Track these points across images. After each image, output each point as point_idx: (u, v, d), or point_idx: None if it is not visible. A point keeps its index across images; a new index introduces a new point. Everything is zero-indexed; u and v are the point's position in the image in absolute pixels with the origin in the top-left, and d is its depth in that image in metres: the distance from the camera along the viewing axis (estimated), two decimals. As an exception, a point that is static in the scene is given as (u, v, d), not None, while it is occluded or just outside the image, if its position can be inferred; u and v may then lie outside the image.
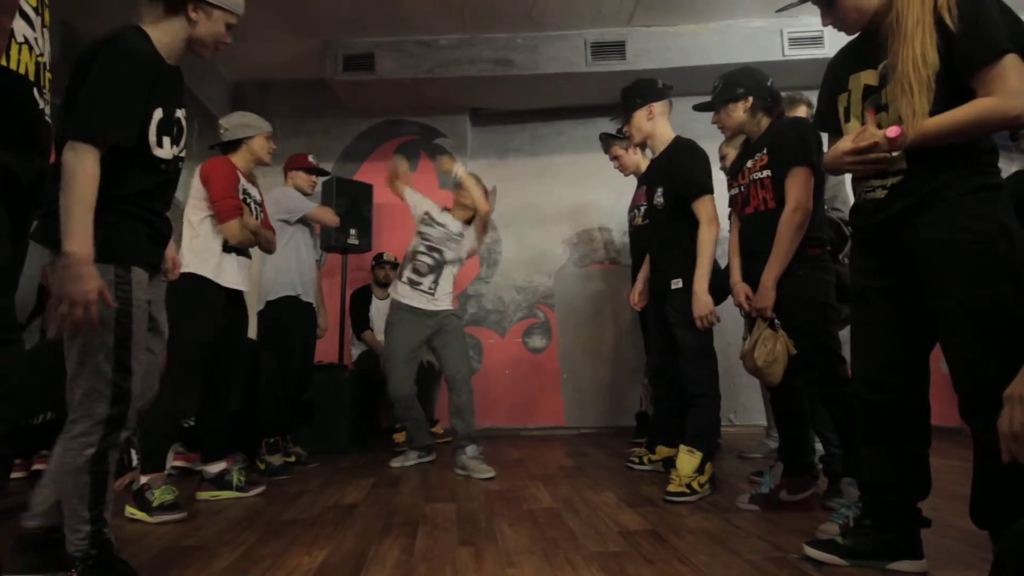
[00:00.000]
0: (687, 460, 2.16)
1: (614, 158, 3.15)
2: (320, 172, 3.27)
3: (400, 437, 3.47)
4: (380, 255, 3.95)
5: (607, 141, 3.15)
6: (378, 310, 3.89)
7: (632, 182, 3.21)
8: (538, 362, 4.19)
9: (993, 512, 1.24)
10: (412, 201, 3.07)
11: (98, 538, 1.33)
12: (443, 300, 2.97)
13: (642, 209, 3.04)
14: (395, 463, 2.96)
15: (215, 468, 2.31)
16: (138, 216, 1.40)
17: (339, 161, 4.37)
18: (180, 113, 1.50)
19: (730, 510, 1.98)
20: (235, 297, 2.32)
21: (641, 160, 3.10)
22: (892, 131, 1.28)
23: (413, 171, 4.39)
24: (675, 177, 2.37)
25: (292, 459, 2.97)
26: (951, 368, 1.28)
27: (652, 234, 2.57)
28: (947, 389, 1.29)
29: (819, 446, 2.16)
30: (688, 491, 2.10)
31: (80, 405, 1.32)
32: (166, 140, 1.44)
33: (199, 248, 2.23)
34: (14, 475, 2.52)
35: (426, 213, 3.03)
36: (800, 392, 2.00)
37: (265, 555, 1.61)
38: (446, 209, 3.09)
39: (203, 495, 2.27)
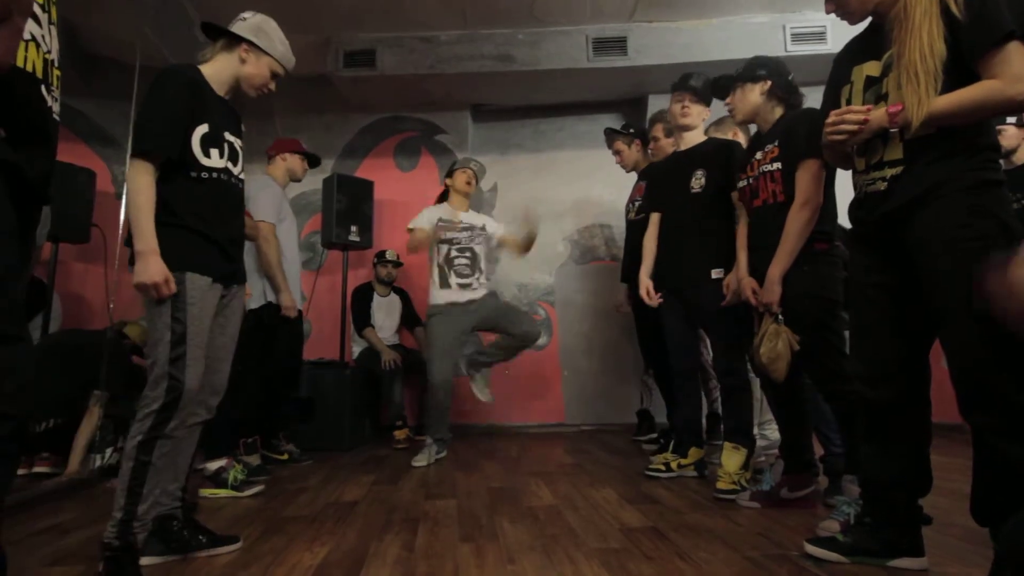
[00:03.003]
0: (733, 456, 2.15)
1: (616, 153, 3.16)
2: (312, 160, 3.10)
3: (401, 434, 3.47)
4: (382, 252, 3.95)
5: (611, 136, 3.16)
6: (379, 307, 3.89)
7: (635, 178, 3.21)
8: (539, 359, 4.19)
9: (994, 509, 1.23)
10: (428, 230, 3.03)
11: (124, 530, 1.40)
12: (484, 286, 3.12)
13: (636, 204, 3.05)
14: (418, 462, 2.83)
15: (213, 465, 2.31)
16: (194, 229, 1.52)
17: (340, 157, 4.37)
18: (233, 138, 1.64)
19: (730, 507, 1.98)
20: None
21: (640, 157, 3.11)
22: (893, 107, 1.29)
23: (413, 168, 4.40)
24: (728, 164, 2.31)
25: (285, 456, 2.97)
26: (950, 366, 1.28)
27: (676, 220, 2.46)
28: (948, 386, 1.29)
29: (819, 446, 2.16)
30: (739, 487, 2.08)
31: (146, 394, 1.46)
32: (214, 152, 1.57)
33: None
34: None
35: (439, 220, 3.04)
36: (802, 389, 2.00)
37: (266, 551, 1.61)
38: (443, 203, 3.14)
39: (204, 492, 2.27)
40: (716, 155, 2.38)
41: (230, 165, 1.61)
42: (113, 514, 1.41)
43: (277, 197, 2.87)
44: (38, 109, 1.05)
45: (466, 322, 3.01)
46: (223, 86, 1.66)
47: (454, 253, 3.04)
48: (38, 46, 1.05)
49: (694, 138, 2.47)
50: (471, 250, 3.07)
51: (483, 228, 3.14)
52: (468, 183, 3.12)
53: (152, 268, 1.41)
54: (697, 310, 2.38)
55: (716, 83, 2.17)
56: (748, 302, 2.03)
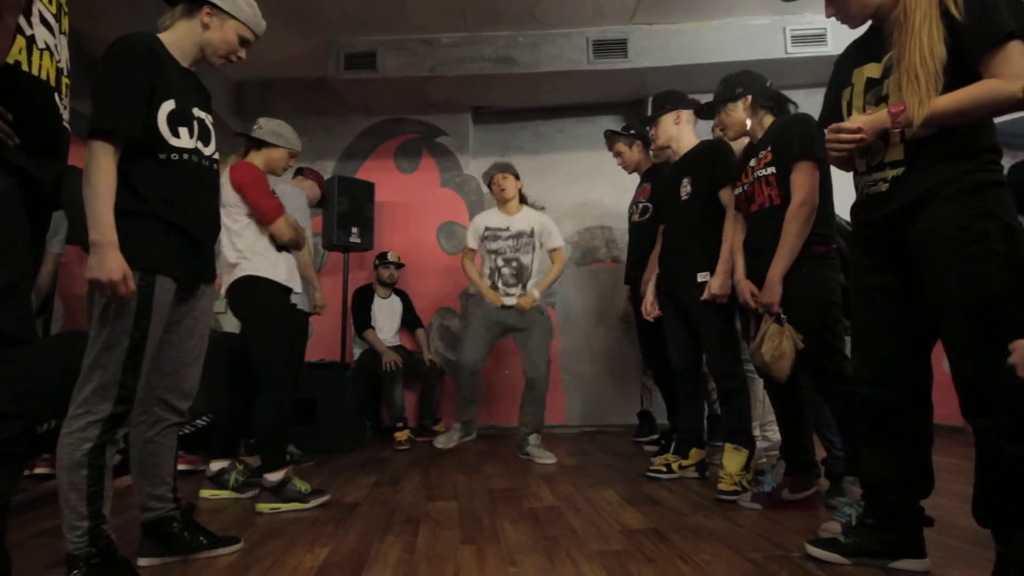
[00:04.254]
0: (735, 457, 2.15)
1: (617, 154, 3.16)
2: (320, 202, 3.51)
3: (402, 436, 3.47)
4: (384, 254, 3.95)
5: (611, 138, 3.17)
6: (380, 308, 3.90)
7: (634, 180, 3.21)
8: (540, 361, 4.18)
9: (996, 511, 1.23)
10: (475, 243, 3.19)
11: (97, 534, 1.33)
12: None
13: (640, 205, 3.05)
14: (439, 443, 3.10)
15: (215, 466, 2.31)
16: (166, 220, 1.41)
17: (341, 160, 4.37)
18: (202, 114, 1.53)
19: (732, 509, 1.98)
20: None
21: (642, 159, 3.11)
22: (896, 107, 1.30)
23: (414, 170, 4.41)
24: (708, 166, 2.38)
25: (287, 458, 2.96)
26: (952, 367, 1.28)
27: (672, 227, 2.53)
28: (950, 387, 1.29)
29: (821, 448, 2.16)
30: (740, 489, 2.08)
31: (85, 401, 1.33)
32: (183, 131, 1.45)
33: (249, 250, 2.18)
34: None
35: (486, 228, 3.13)
36: (802, 390, 2.00)
37: (266, 554, 1.61)
38: (498, 209, 3.20)
39: (204, 493, 2.27)
40: (699, 159, 2.44)
41: (200, 145, 1.49)
42: (75, 524, 1.31)
43: (305, 203, 3.05)
44: (52, 117, 1.07)
45: (502, 317, 3.06)
46: (186, 56, 1.51)
47: (500, 263, 3.11)
48: (52, 55, 1.07)
49: (685, 145, 2.51)
50: (517, 260, 3.10)
51: (531, 234, 3.11)
52: (502, 190, 3.14)
53: (110, 263, 1.27)
54: (688, 312, 2.40)
55: (700, 112, 2.24)
56: (737, 303, 2.05)
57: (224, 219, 2.19)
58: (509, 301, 3.06)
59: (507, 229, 3.10)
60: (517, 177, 3.19)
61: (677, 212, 2.50)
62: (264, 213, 2.18)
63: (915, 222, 1.31)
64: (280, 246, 2.25)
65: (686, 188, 2.44)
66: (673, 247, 2.51)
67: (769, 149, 1.97)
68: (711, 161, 2.39)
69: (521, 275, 3.09)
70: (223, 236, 2.18)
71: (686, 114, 2.50)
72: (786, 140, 1.92)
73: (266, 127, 2.38)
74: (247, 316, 2.18)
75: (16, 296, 0.93)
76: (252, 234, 2.20)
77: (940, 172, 1.28)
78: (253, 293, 2.15)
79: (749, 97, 2.04)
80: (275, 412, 2.10)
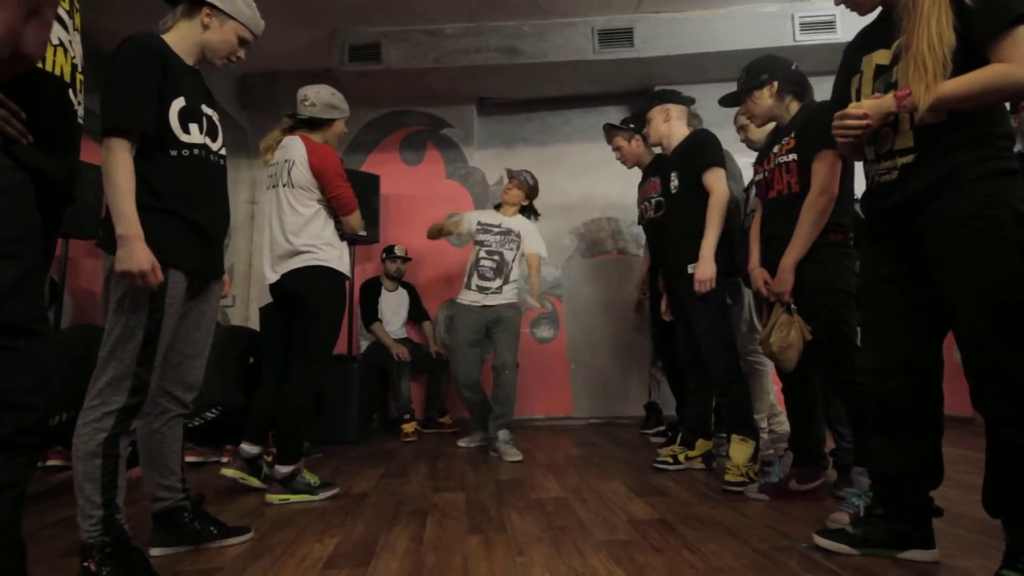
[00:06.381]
0: (741, 449, 2.15)
1: (616, 149, 3.12)
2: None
3: (409, 428, 3.49)
4: (391, 248, 3.95)
5: (610, 132, 3.13)
6: (387, 301, 3.91)
7: (639, 171, 3.18)
8: (546, 352, 4.20)
9: (1006, 501, 1.23)
10: (466, 226, 3.22)
11: (111, 523, 1.35)
12: (507, 294, 3.12)
13: (653, 201, 3.02)
14: (462, 443, 3.18)
15: (252, 449, 2.27)
16: (175, 213, 1.43)
17: (346, 152, 4.37)
18: (209, 111, 1.55)
19: (739, 499, 1.98)
20: None
21: (643, 152, 3.07)
22: (901, 91, 1.28)
23: (419, 162, 4.40)
24: (690, 155, 2.39)
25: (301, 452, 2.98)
26: (963, 357, 1.27)
27: (667, 222, 2.56)
28: (961, 378, 1.28)
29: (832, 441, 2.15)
30: (747, 480, 2.09)
31: (100, 392, 1.36)
32: (193, 127, 1.48)
33: (317, 238, 2.15)
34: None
35: (479, 223, 3.19)
36: (813, 381, 1.99)
37: (277, 543, 1.63)
38: (496, 207, 3.27)
39: (232, 473, 2.23)
40: (684, 152, 2.45)
41: (208, 140, 1.52)
42: (89, 513, 1.33)
43: None
44: (66, 113, 1.08)
45: (479, 322, 3.09)
46: (189, 56, 1.54)
47: (482, 255, 3.15)
48: (66, 51, 1.08)
49: (675, 141, 2.52)
50: (500, 254, 3.13)
51: (518, 234, 3.16)
52: (507, 191, 3.21)
53: (139, 255, 1.31)
54: (682, 304, 2.41)
55: (723, 101, 2.19)
56: (735, 292, 2.04)
57: (290, 200, 2.17)
58: (488, 301, 3.08)
59: (499, 226, 3.16)
60: (527, 191, 3.25)
61: (669, 206, 2.54)
62: (345, 204, 2.19)
63: (926, 210, 1.30)
64: (344, 236, 2.26)
65: (674, 182, 2.46)
66: (668, 241, 2.53)
67: (793, 135, 1.94)
68: (692, 150, 2.40)
69: (501, 269, 3.12)
70: (281, 216, 2.18)
71: (676, 110, 2.51)
72: (810, 128, 1.88)
73: (318, 100, 2.23)
74: (315, 303, 2.13)
75: (27, 288, 0.94)
76: (321, 222, 2.18)
77: (952, 160, 1.26)
78: (327, 283, 2.16)
79: (775, 83, 2.00)
80: (311, 393, 2.12)
